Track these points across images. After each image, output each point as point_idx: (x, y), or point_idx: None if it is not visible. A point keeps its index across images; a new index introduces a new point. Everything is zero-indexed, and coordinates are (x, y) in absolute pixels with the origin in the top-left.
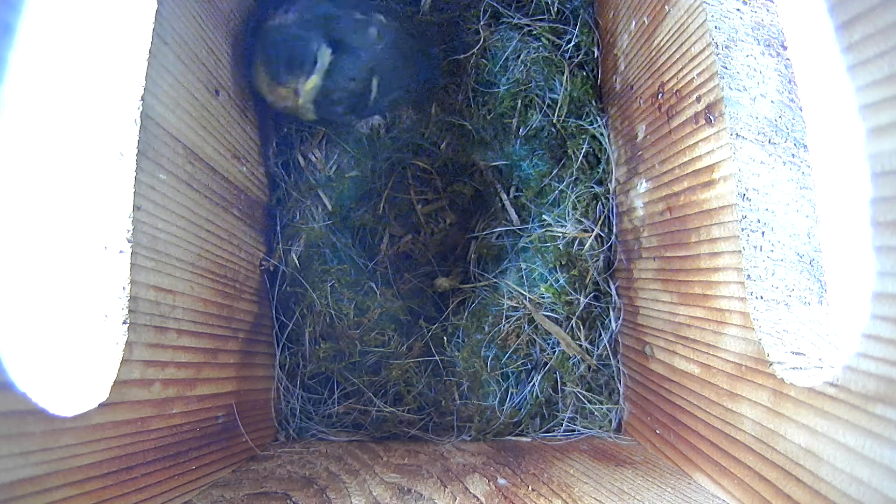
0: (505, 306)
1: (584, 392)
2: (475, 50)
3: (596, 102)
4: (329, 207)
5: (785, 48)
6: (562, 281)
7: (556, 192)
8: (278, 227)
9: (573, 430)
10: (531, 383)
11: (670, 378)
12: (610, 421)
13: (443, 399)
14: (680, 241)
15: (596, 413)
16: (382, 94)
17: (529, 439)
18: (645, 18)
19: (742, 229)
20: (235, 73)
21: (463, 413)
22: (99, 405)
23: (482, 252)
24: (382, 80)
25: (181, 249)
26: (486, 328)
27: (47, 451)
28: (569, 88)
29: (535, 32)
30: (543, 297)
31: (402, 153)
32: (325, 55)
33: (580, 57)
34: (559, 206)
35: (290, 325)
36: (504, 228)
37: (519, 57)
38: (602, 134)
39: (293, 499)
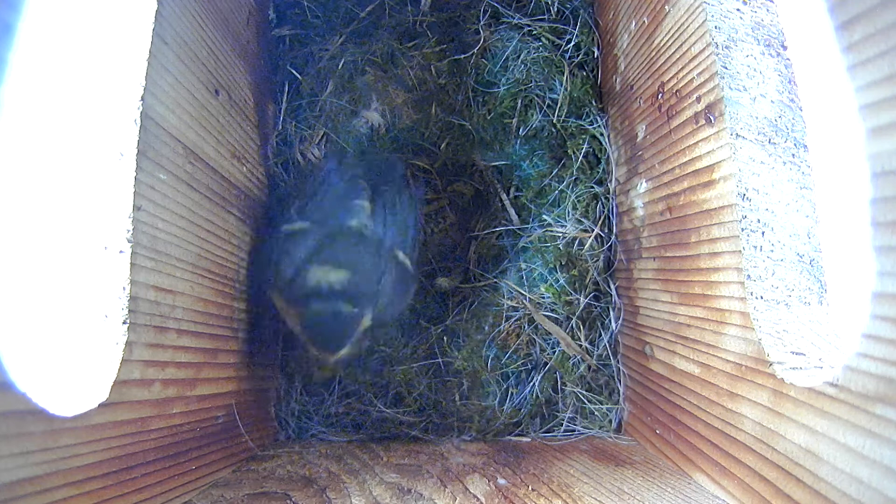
0: (505, 306)
1: (584, 392)
2: (475, 50)
3: (596, 102)
4: None
5: (785, 48)
6: (562, 281)
7: (556, 192)
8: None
9: (573, 430)
10: (531, 383)
11: (670, 378)
12: (610, 421)
13: (443, 399)
14: (680, 241)
15: (596, 413)
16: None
17: (529, 439)
18: (645, 18)
19: (742, 229)
20: (235, 73)
21: (463, 413)
22: (99, 405)
23: (482, 252)
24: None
25: (181, 249)
26: (487, 328)
27: (47, 451)
28: (569, 88)
29: (535, 32)
30: (543, 297)
31: (402, 153)
32: (365, 323)
33: (580, 57)
34: (559, 206)
35: None
36: (504, 228)
37: (519, 57)
38: (602, 134)
39: (293, 499)
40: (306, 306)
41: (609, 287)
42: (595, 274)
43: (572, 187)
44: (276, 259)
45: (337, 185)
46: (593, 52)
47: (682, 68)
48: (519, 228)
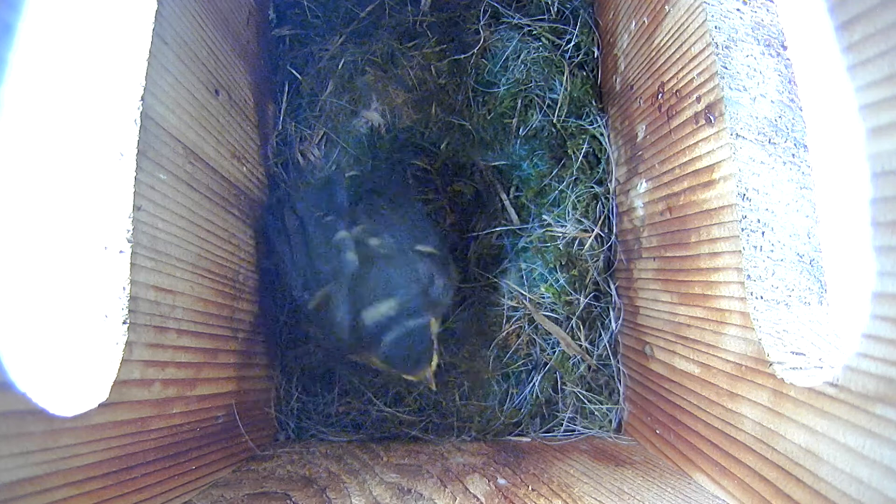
0: (505, 306)
1: (584, 392)
2: (475, 50)
3: (596, 102)
4: None
5: (785, 48)
6: (562, 281)
7: (556, 192)
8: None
9: (573, 430)
10: (531, 383)
11: (670, 378)
12: (610, 421)
13: (443, 399)
14: (680, 241)
15: (596, 413)
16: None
17: (529, 439)
18: (645, 18)
19: (742, 229)
20: (235, 73)
21: (463, 413)
22: (99, 405)
23: (482, 252)
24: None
25: (181, 249)
26: (487, 328)
27: (47, 451)
28: (569, 88)
29: (535, 32)
30: (543, 297)
31: (402, 153)
32: (434, 327)
33: (580, 57)
34: (559, 206)
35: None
36: (504, 228)
37: (519, 57)
38: (602, 134)
39: (293, 499)
40: (380, 346)
41: (609, 287)
42: (595, 274)
43: (572, 187)
44: (325, 333)
45: (314, 235)
46: (593, 52)
47: (682, 68)
48: (519, 228)
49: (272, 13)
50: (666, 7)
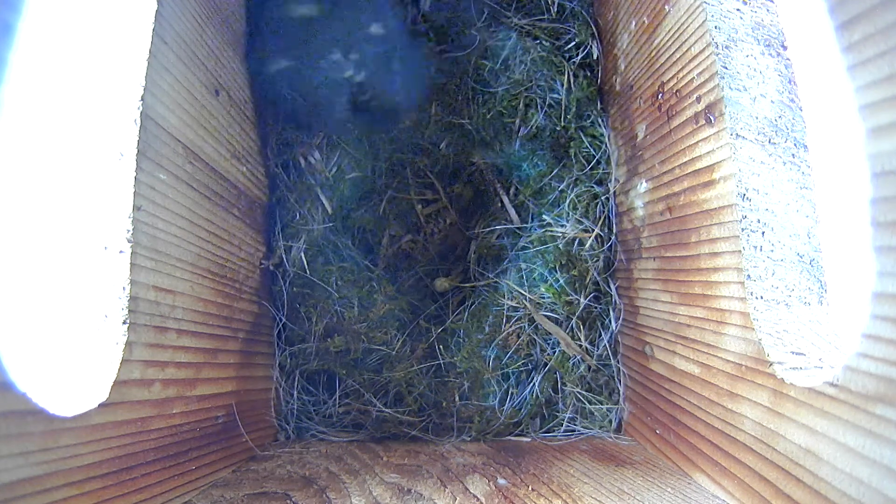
0: (505, 306)
1: (584, 392)
2: (475, 50)
3: (597, 103)
4: (328, 209)
5: (785, 48)
6: (562, 281)
7: (556, 191)
8: (278, 227)
9: (573, 430)
10: (531, 383)
11: (670, 378)
12: (610, 421)
13: (443, 399)
14: (680, 241)
15: (596, 413)
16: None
17: (529, 439)
18: (645, 18)
19: (742, 229)
20: (235, 73)
21: (463, 413)
22: (99, 405)
23: (482, 252)
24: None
25: (181, 249)
26: (487, 328)
27: (47, 451)
28: (570, 88)
29: (534, 32)
30: (543, 297)
31: (402, 153)
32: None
33: (580, 57)
34: (559, 205)
35: (291, 324)
36: (504, 226)
37: (519, 57)
38: (602, 134)
39: (293, 499)
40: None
41: (609, 287)
42: (595, 274)
43: (572, 187)
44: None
45: None
46: (593, 52)
47: (682, 68)
48: (519, 228)
49: None
50: (666, 7)
